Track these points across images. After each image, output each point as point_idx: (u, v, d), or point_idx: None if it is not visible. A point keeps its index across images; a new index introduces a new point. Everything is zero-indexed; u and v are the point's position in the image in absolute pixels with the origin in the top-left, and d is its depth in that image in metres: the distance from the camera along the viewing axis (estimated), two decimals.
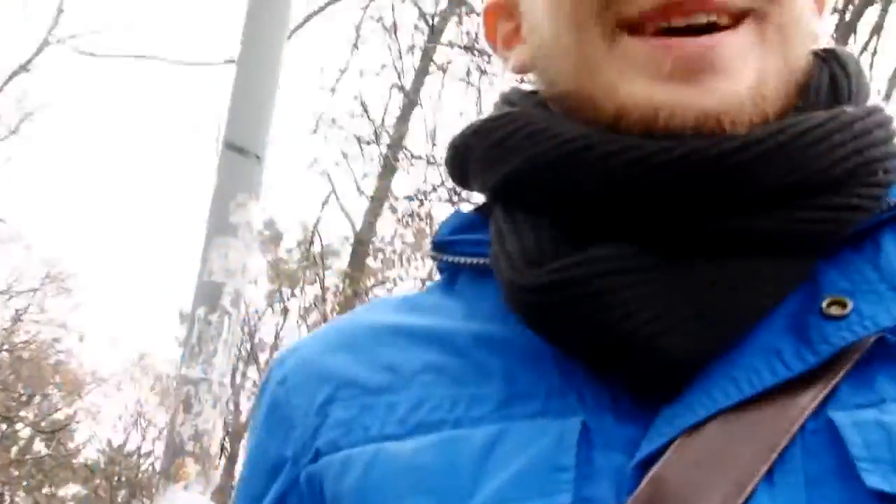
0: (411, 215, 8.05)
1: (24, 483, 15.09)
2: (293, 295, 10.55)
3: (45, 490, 15.49)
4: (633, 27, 0.42)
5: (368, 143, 8.16)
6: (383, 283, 8.81)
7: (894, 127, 0.45)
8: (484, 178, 0.46)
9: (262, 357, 10.86)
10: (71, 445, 15.81)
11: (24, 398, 14.65)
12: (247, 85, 2.92)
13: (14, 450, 14.94)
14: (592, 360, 0.41)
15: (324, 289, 8.76)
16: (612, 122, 0.42)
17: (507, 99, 0.50)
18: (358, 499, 0.42)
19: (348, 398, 0.46)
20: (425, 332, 0.47)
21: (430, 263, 8.57)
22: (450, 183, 7.97)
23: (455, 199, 7.59)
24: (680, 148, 0.39)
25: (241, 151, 2.88)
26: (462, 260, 0.48)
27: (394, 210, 8.12)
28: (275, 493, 0.48)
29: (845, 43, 6.19)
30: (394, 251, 8.47)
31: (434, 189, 7.68)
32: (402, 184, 8.61)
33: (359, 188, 8.39)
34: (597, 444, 0.39)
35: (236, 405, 11.02)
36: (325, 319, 7.85)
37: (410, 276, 8.54)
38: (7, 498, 14.13)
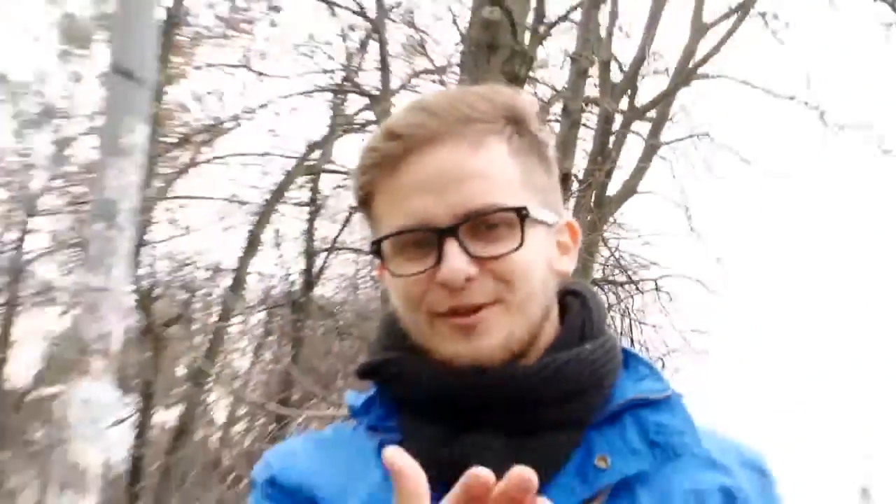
0: None
1: None
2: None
3: None
4: (439, 315, 0.79)
5: None
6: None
7: (617, 352, 0.85)
8: (389, 387, 0.86)
9: (52, 123, 9.86)
10: None
11: None
12: (129, 6, 2.83)
13: None
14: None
15: None
16: (445, 362, 0.80)
17: (388, 334, 0.88)
18: None
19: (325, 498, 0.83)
20: (359, 466, 0.84)
21: (243, 46, 8.20)
22: None
23: None
24: (506, 373, 0.79)
25: (128, 76, 2.86)
26: (380, 435, 0.84)
27: None
28: None
29: None
30: (206, 27, 7.95)
31: None
32: None
33: None
34: None
35: None
36: None
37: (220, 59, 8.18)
38: None
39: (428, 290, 0.80)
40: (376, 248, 0.84)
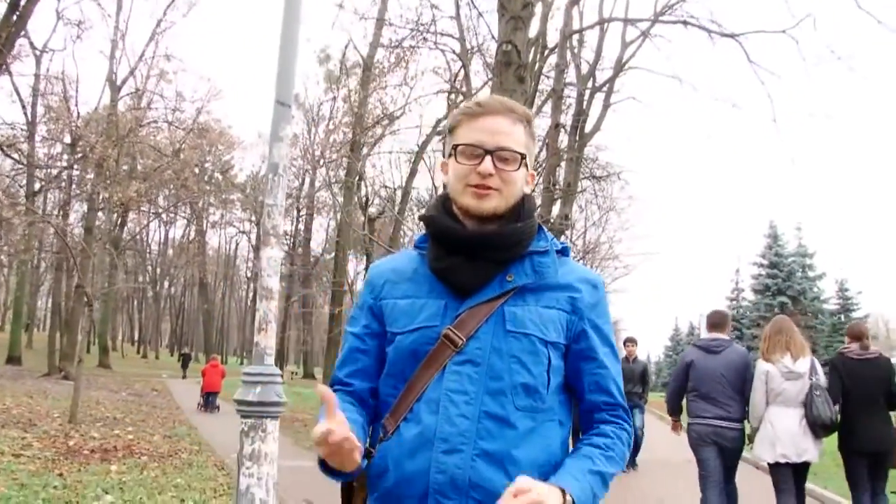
0: None
1: None
2: None
3: None
4: (469, 185, 1.64)
5: None
6: None
7: (534, 227, 1.69)
8: (429, 228, 1.71)
9: None
10: None
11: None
12: (283, 68, 4.75)
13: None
14: (451, 286, 1.64)
15: None
16: (464, 211, 1.65)
17: (437, 204, 1.73)
18: (390, 315, 1.69)
19: (390, 283, 1.74)
20: (410, 268, 1.74)
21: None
22: None
23: None
24: (479, 230, 1.65)
25: (281, 104, 4.76)
26: (422, 251, 1.74)
27: None
28: (366, 307, 1.76)
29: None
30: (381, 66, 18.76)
31: None
32: None
33: None
34: (448, 309, 1.62)
35: None
36: None
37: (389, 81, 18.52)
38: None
39: (470, 174, 1.59)
40: (452, 151, 1.63)
